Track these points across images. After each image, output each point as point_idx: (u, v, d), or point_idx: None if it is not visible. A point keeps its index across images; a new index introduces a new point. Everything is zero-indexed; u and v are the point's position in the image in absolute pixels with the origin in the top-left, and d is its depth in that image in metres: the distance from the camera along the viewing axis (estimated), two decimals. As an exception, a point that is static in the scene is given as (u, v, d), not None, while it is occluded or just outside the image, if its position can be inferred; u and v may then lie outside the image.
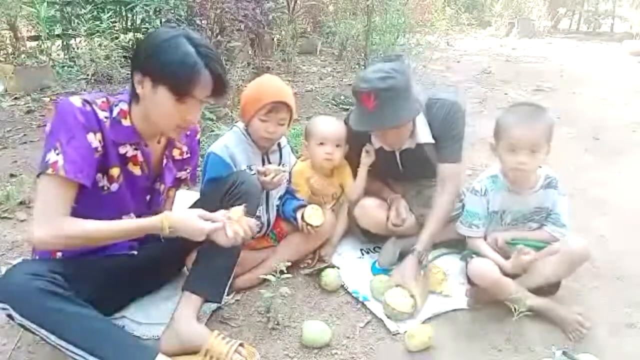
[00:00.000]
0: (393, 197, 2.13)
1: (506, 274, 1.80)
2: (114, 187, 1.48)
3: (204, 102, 1.46)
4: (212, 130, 3.21)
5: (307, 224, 1.95)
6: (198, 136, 1.79)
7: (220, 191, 1.68)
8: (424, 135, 2.00)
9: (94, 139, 1.36)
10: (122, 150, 1.47)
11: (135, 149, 1.50)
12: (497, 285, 1.77)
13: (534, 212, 1.88)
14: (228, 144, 1.88)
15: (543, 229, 1.90)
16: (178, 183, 1.77)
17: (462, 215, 1.96)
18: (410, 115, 1.87)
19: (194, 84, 1.37)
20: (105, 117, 1.42)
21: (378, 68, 1.83)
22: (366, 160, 2.15)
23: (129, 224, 1.44)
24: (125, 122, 1.45)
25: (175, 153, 1.68)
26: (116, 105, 1.45)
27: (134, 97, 1.45)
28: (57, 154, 1.30)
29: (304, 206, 2.01)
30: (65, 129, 1.33)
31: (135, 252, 1.63)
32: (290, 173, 2.12)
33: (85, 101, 1.39)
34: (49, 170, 1.30)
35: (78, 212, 1.38)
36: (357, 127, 1.92)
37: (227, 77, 1.46)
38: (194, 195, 2.00)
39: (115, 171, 1.46)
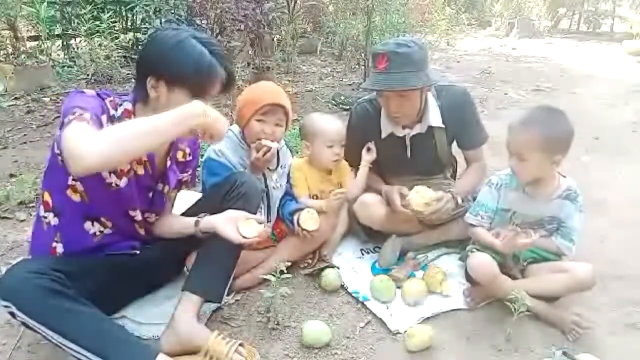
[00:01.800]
0: (386, 189, 2.11)
1: (505, 273, 1.80)
2: (123, 182, 1.48)
3: (214, 97, 1.49)
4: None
5: (303, 229, 1.95)
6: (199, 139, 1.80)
7: (221, 192, 1.69)
8: (435, 118, 2.06)
9: (106, 124, 1.37)
10: None
11: None
12: (494, 282, 1.77)
13: (546, 220, 1.84)
14: (222, 149, 1.89)
15: (551, 239, 1.86)
16: (180, 185, 1.78)
17: (472, 206, 1.96)
18: (416, 83, 1.90)
19: (211, 84, 1.42)
20: (114, 115, 1.43)
21: (400, 38, 1.98)
22: (368, 157, 2.15)
23: (162, 115, 1.28)
24: None
25: (179, 155, 1.69)
26: (120, 105, 1.46)
27: (141, 99, 1.46)
28: (80, 114, 1.25)
29: (301, 209, 2.00)
30: (84, 103, 1.32)
31: (137, 252, 1.64)
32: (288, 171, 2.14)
33: (98, 94, 1.42)
34: (72, 117, 1.22)
35: (87, 208, 1.41)
36: (366, 87, 2.04)
37: (234, 70, 1.51)
38: (194, 195, 2.00)
39: (124, 166, 1.47)
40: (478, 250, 1.89)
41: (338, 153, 2.13)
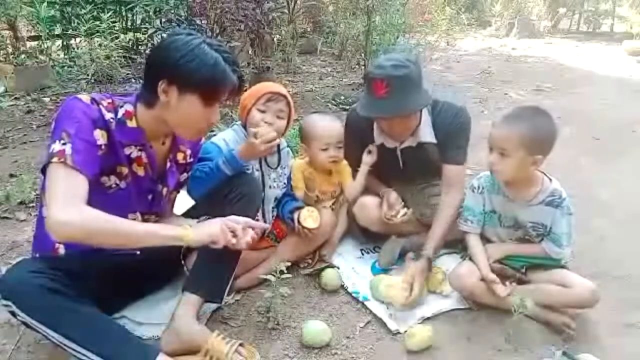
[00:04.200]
0: (384, 191, 2.11)
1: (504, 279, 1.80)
2: (123, 184, 1.49)
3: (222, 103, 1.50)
4: (212, 131, 3.21)
5: (303, 227, 1.95)
6: (202, 140, 1.80)
7: (222, 193, 1.69)
8: (427, 134, 2.02)
9: (100, 137, 1.37)
10: (127, 151, 1.47)
11: (140, 150, 1.50)
12: (475, 293, 1.79)
13: (531, 226, 1.81)
14: (226, 139, 1.88)
15: (539, 245, 1.82)
16: (179, 185, 1.78)
17: (462, 212, 1.96)
18: (419, 105, 1.89)
19: (223, 90, 1.43)
20: (112, 118, 1.42)
21: (392, 57, 1.88)
22: (368, 159, 2.15)
23: (153, 227, 1.43)
24: (131, 124, 1.46)
25: (179, 157, 1.68)
26: (121, 107, 1.46)
27: (147, 102, 1.45)
28: (64, 144, 1.28)
29: (301, 208, 2.00)
30: (73, 122, 1.32)
31: (138, 252, 1.63)
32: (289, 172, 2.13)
33: (93, 99, 1.40)
34: (55, 159, 1.26)
35: None
36: (365, 113, 1.93)
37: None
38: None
39: (123, 169, 1.47)
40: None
41: (334, 155, 2.11)
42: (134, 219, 1.57)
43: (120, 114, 1.45)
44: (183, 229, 1.41)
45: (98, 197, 1.40)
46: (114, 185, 1.47)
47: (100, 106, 1.40)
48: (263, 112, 1.87)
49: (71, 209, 1.22)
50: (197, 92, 1.39)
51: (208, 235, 1.44)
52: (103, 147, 1.38)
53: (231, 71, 1.43)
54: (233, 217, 1.55)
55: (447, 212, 1.97)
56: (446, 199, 2.00)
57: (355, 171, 2.20)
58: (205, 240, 1.44)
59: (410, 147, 2.06)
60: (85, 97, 1.38)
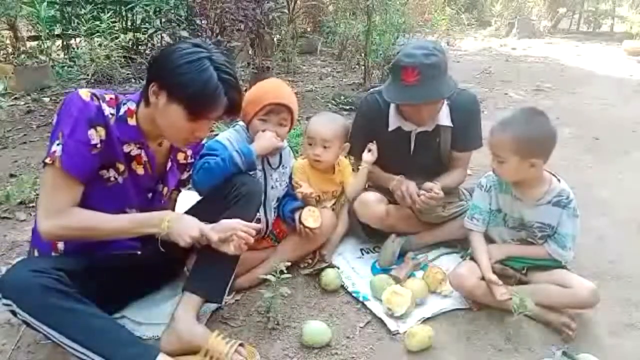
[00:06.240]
0: (397, 181, 2.07)
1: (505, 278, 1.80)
2: (120, 180, 1.49)
3: (215, 121, 1.49)
4: (213, 131, 3.21)
5: (305, 227, 1.95)
6: (204, 141, 1.80)
7: (222, 193, 1.68)
8: (444, 118, 2.08)
9: (95, 135, 1.37)
10: (126, 148, 1.48)
11: (139, 149, 1.51)
12: (475, 292, 1.78)
13: (537, 226, 1.81)
14: (230, 139, 1.88)
15: (543, 247, 1.82)
16: (180, 184, 1.78)
17: (468, 210, 1.96)
18: (447, 92, 1.93)
19: (210, 109, 1.42)
20: (111, 114, 1.43)
21: (420, 45, 1.93)
22: (368, 158, 2.15)
23: (132, 217, 1.49)
24: (131, 121, 1.46)
25: (180, 157, 1.69)
26: (124, 104, 1.47)
27: (145, 99, 1.46)
28: (58, 145, 1.34)
29: (302, 208, 2.00)
30: (69, 121, 1.35)
31: (139, 252, 1.64)
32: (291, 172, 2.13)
33: (94, 95, 1.40)
34: (48, 159, 1.34)
35: (86, 204, 1.41)
36: (394, 100, 1.98)
37: (242, 99, 1.53)
38: (194, 195, 1.99)
39: (120, 166, 1.48)
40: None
41: (316, 154, 2.10)
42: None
43: (122, 111, 1.46)
44: (160, 225, 1.45)
45: (97, 189, 1.42)
46: (112, 179, 1.48)
47: (101, 101, 1.41)
48: (265, 122, 1.87)
49: (51, 218, 1.35)
50: (183, 104, 1.39)
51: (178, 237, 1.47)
52: (99, 145, 1.39)
53: (223, 92, 1.41)
54: (225, 221, 1.55)
55: (450, 177, 2.12)
56: (452, 172, 2.16)
57: (359, 159, 2.20)
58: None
59: (426, 131, 2.09)
60: (85, 94, 1.39)
